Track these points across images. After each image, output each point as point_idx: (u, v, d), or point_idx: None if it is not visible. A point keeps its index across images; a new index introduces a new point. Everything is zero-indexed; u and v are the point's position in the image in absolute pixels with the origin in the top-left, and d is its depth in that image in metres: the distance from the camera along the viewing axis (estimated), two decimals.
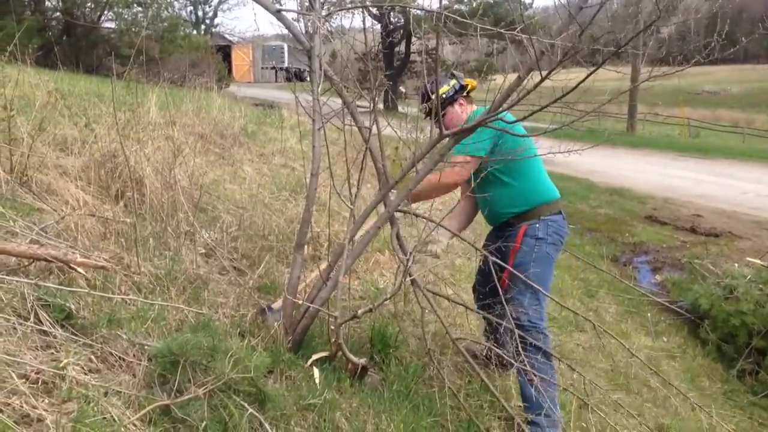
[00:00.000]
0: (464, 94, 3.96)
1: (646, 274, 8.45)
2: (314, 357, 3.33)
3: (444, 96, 3.87)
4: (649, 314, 6.59)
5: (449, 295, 4.24)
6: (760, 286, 6.03)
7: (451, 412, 3.40)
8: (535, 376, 3.34)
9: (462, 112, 3.94)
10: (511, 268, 3.56)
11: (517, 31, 3.06)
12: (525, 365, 3.29)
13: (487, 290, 3.89)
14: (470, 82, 3.98)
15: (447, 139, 3.34)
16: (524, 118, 3.34)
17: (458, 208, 4.17)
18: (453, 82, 3.92)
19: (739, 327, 5.83)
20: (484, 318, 4.06)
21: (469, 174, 3.71)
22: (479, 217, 4.20)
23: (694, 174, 15.97)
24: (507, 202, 3.82)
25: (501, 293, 3.40)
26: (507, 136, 3.63)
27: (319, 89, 3.56)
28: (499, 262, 3.44)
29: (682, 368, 5.57)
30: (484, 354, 4.06)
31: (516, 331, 3.35)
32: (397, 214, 3.63)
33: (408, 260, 3.33)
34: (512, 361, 3.72)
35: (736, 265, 7.29)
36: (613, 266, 8.44)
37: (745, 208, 11.59)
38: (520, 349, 3.30)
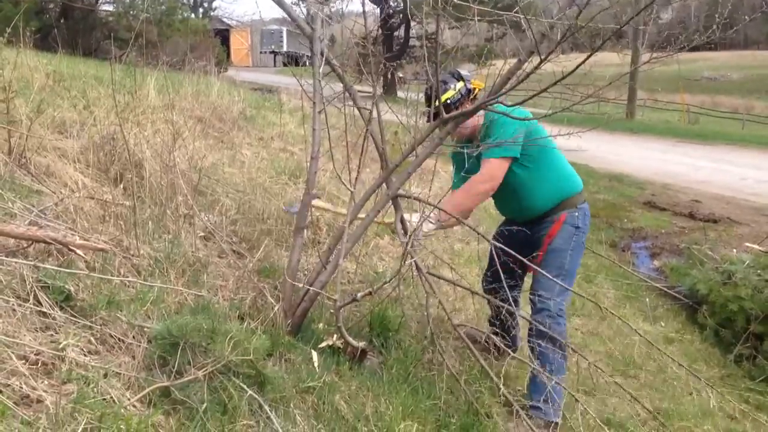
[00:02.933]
0: (471, 97, 3.75)
1: (645, 260, 8.46)
2: (321, 345, 3.34)
3: (449, 101, 3.64)
4: (647, 299, 6.60)
5: (451, 278, 4.25)
6: (759, 271, 6.03)
7: (450, 396, 3.42)
8: (547, 365, 3.36)
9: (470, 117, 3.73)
10: (541, 255, 3.60)
11: (515, 11, 3.04)
12: (535, 353, 3.35)
13: (489, 275, 3.91)
14: (477, 84, 3.79)
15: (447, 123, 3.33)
16: (523, 102, 3.33)
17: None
18: (460, 85, 3.72)
19: (737, 312, 5.84)
20: (490, 304, 4.05)
21: (502, 177, 3.64)
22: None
23: (693, 160, 15.96)
24: (543, 194, 3.76)
25: (517, 278, 3.39)
26: (533, 130, 3.61)
27: (320, 71, 3.55)
28: (511, 253, 3.33)
29: (679, 353, 5.58)
30: (483, 339, 4.05)
31: (535, 317, 3.36)
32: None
33: (408, 243, 3.33)
34: (513, 349, 3.75)
35: (735, 250, 7.30)
36: (611, 252, 8.44)
37: (744, 193, 11.59)
38: (534, 336, 3.31)
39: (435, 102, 3.45)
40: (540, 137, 3.64)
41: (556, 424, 3.59)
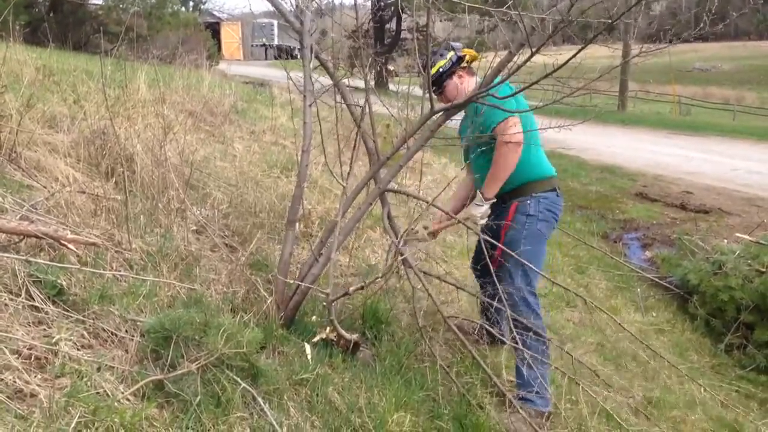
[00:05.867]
0: (463, 65, 3.85)
1: (636, 251, 8.51)
2: (315, 339, 3.35)
3: (441, 70, 3.78)
4: (638, 290, 6.64)
5: (441, 273, 4.28)
6: (749, 261, 6.08)
7: (442, 388, 3.44)
8: (527, 354, 3.32)
9: (462, 84, 3.84)
10: (502, 246, 3.52)
11: (508, 7, 3.04)
12: (517, 343, 3.30)
13: (479, 268, 3.91)
14: (469, 52, 3.87)
15: (438, 114, 3.34)
16: (515, 94, 3.35)
17: (457, 192, 4.20)
18: (450, 54, 3.82)
19: (727, 302, 5.89)
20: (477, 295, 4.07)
21: (520, 128, 3.54)
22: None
23: (684, 151, 16.01)
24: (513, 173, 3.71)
25: (492, 271, 3.40)
26: (522, 115, 3.59)
27: (311, 65, 3.55)
28: (491, 240, 3.43)
29: (671, 343, 5.63)
30: (476, 331, 4.06)
31: (508, 309, 3.35)
32: (388, 194, 3.64)
33: (398, 243, 3.34)
34: (503, 339, 3.77)
35: (726, 241, 7.35)
36: (603, 243, 8.48)
37: (735, 184, 11.64)
38: (512, 326, 3.31)
39: (424, 88, 3.47)
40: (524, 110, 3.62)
41: (549, 413, 3.61)
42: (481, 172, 3.77)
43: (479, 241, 3.69)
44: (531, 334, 3.47)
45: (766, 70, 49.72)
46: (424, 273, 3.66)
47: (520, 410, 3.25)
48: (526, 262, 3.48)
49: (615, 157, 14.86)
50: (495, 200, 3.67)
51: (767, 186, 11.30)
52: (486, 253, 3.39)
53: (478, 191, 3.77)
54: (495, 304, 3.40)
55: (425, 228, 3.93)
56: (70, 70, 7.15)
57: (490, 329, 3.68)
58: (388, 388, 3.20)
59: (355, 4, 4.01)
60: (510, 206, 3.75)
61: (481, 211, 3.68)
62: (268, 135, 8.44)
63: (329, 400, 2.97)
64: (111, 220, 3.71)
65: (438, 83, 3.79)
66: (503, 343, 3.98)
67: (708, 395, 4.38)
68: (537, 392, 3.48)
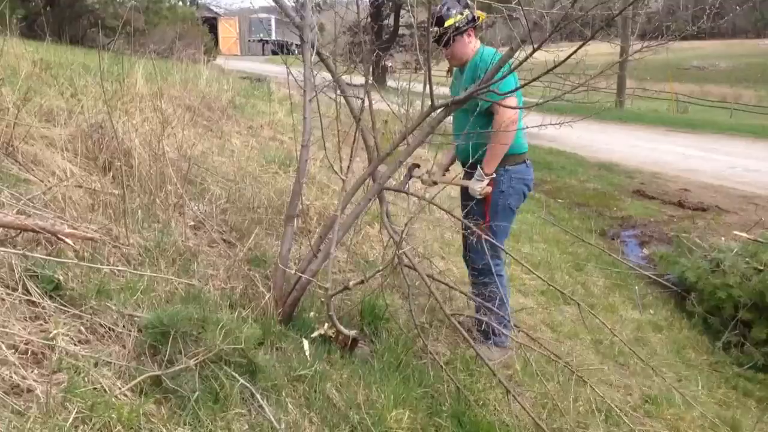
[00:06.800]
0: (474, 26, 3.94)
1: (634, 248, 8.51)
2: (313, 335, 3.33)
3: (457, 24, 3.84)
4: (636, 287, 6.64)
5: (441, 269, 4.28)
6: (747, 259, 6.08)
7: (441, 384, 3.43)
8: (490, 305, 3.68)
9: (469, 43, 3.94)
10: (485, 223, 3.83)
11: (515, 3, 3.03)
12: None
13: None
14: (481, 14, 3.97)
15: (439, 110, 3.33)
16: (514, 90, 3.34)
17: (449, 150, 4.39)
18: (467, 12, 3.88)
19: (725, 300, 5.89)
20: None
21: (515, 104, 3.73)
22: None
23: (682, 149, 16.03)
24: (484, 141, 3.85)
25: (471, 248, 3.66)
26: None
27: (312, 59, 3.53)
28: (469, 224, 3.59)
29: (668, 340, 5.63)
30: (481, 328, 4.12)
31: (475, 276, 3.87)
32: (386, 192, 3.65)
33: (399, 241, 3.35)
34: (503, 333, 3.82)
35: (723, 238, 7.36)
36: (601, 240, 8.48)
37: (733, 182, 11.66)
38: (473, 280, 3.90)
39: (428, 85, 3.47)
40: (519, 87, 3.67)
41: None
42: (467, 138, 3.90)
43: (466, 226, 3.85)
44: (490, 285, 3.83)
45: (764, 68, 49.77)
46: (431, 278, 3.69)
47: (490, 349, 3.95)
48: (496, 235, 3.88)
49: (613, 155, 14.87)
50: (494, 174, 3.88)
51: (765, 184, 11.32)
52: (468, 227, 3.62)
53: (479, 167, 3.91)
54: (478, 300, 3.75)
55: (430, 174, 4.13)
56: (67, 64, 7.11)
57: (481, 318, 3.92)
58: (387, 384, 3.19)
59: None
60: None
61: (481, 185, 3.87)
62: (266, 130, 8.42)
63: (327, 396, 2.96)
64: (108, 214, 3.69)
65: (448, 38, 3.86)
66: (488, 338, 4.14)
67: (706, 393, 4.38)
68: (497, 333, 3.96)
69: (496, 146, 3.78)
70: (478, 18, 3.94)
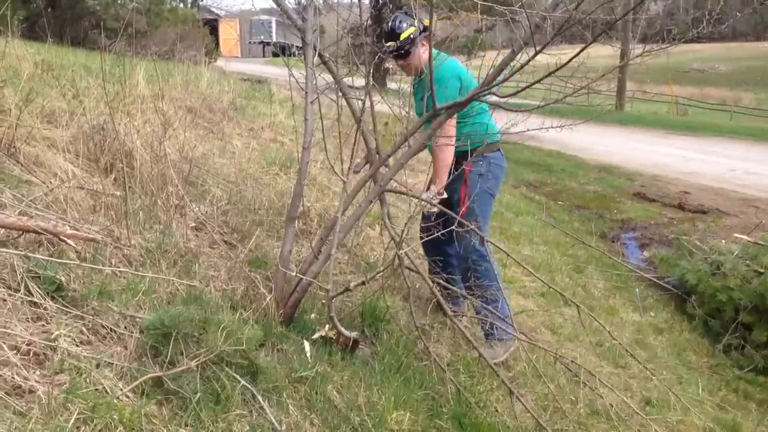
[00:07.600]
0: (424, 34, 3.99)
1: (634, 251, 8.51)
2: (314, 336, 3.34)
3: (412, 36, 3.97)
4: (636, 290, 6.64)
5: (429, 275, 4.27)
6: (747, 261, 6.08)
7: (441, 386, 3.43)
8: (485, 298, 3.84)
9: (423, 53, 4.00)
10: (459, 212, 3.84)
11: (518, 6, 3.03)
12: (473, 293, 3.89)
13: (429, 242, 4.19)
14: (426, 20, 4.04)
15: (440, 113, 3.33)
16: (516, 93, 3.34)
17: None
18: (417, 23, 3.98)
19: (725, 302, 5.89)
20: (429, 256, 4.46)
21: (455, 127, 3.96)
22: None
23: (682, 151, 16.03)
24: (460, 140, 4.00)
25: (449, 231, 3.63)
26: (468, 85, 3.90)
27: (314, 60, 3.53)
28: (445, 210, 3.70)
29: (669, 343, 5.63)
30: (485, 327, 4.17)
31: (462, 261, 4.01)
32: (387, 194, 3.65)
33: (399, 243, 3.36)
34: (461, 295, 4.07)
35: (724, 241, 7.36)
36: (601, 242, 8.48)
37: (733, 185, 11.66)
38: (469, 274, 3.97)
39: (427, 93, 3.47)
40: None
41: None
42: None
43: (427, 218, 4.18)
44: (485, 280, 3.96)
45: (764, 71, 49.80)
46: (417, 273, 3.70)
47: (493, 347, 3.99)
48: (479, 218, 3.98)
49: (613, 157, 14.88)
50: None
51: (765, 186, 11.32)
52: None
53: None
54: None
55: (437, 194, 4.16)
56: (68, 65, 7.12)
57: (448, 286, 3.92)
58: (388, 386, 3.19)
59: (360, 1, 4.02)
60: (465, 167, 4.08)
61: (430, 195, 4.01)
62: (267, 132, 8.42)
63: (328, 398, 2.96)
64: (110, 216, 3.69)
65: (407, 50, 4.00)
66: (460, 298, 4.36)
67: (706, 396, 4.38)
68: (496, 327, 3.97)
69: (439, 167, 4.02)
70: (428, 25, 3.94)
